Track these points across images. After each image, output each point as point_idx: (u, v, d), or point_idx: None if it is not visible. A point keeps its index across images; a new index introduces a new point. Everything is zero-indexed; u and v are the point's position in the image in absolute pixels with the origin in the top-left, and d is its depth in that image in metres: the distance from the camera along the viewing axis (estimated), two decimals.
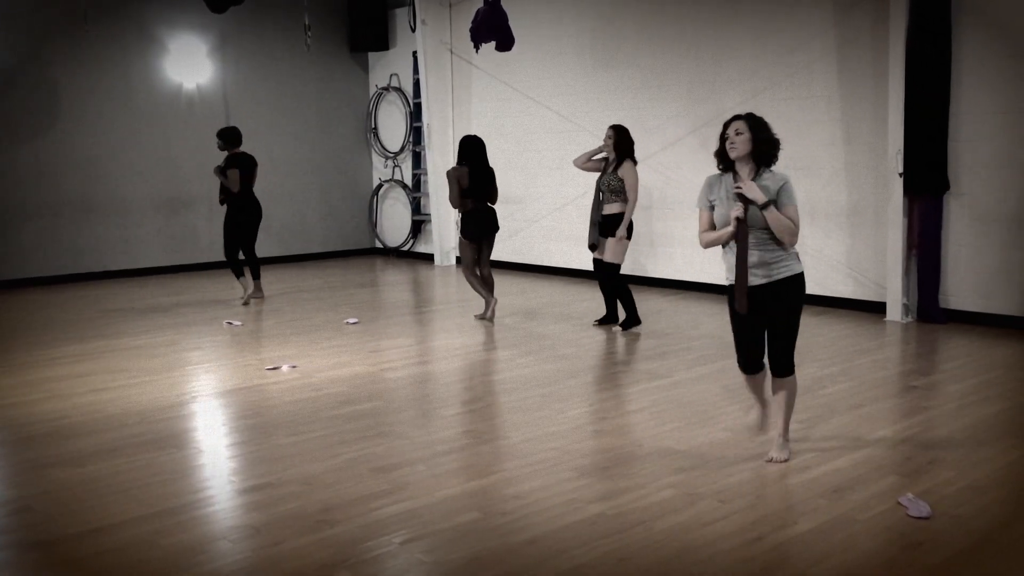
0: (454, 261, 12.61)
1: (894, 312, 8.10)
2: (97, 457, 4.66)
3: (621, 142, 7.53)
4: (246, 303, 9.41)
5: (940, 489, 4.06)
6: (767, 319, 4.37)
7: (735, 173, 4.33)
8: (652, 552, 3.47)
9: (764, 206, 4.16)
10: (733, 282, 4.30)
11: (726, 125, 4.33)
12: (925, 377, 6.23)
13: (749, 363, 4.51)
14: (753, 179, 4.26)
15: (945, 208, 7.90)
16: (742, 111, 4.60)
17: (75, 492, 4.18)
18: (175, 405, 5.67)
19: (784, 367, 4.38)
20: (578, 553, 3.46)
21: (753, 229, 4.23)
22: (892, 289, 8.12)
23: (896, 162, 7.88)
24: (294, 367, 6.59)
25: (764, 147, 4.27)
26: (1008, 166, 7.52)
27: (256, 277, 9.50)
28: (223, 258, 9.68)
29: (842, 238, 8.66)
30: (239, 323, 8.34)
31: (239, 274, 9.48)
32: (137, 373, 6.49)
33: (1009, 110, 7.46)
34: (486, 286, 8.26)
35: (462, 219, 8.11)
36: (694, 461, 4.47)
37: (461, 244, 8.22)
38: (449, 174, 7.95)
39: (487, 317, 8.27)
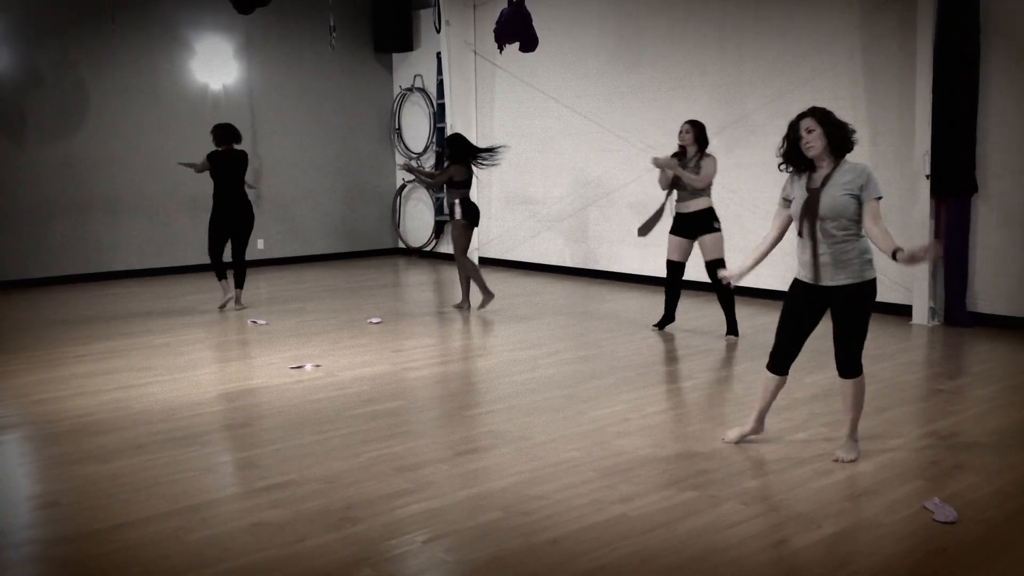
0: (476, 261, 12.61)
1: (920, 315, 8.03)
2: (123, 453, 4.71)
3: (700, 136, 7.50)
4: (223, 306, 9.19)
5: (966, 494, 4.02)
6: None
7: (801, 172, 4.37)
8: (674, 554, 3.46)
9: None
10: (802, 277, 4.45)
11: (796, 123, 4.28)
12: (951, 381, 6.18)
13: (777, 362, 4.56)
14: (830, 172, 4.27)
15: (973, 210, 7.82)
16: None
17: (101, 488, 4.23)
18: (200, 403, 5.72)
19: (849, 369, 4.45)
20: (600, 554, 3.46)
21: (825, 221, 4.27)
22: (918, 292, 8.05)
23: (923, 164, 7.81)
24: (318, 366, 6.63)
25: (837, 137, 4.25)
26: None
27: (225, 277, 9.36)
28: (247, 257, 9.63)
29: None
30: (264, 322, 8.39)
31: (224, 275, 9.30)
32: (163, 371, 6.55)
33: None
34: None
35: (464, 205, 8.53)
36: (717, 463, 4.45)
37: (461, 229, 8.59)
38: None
39: (467, 307, 8.84)
